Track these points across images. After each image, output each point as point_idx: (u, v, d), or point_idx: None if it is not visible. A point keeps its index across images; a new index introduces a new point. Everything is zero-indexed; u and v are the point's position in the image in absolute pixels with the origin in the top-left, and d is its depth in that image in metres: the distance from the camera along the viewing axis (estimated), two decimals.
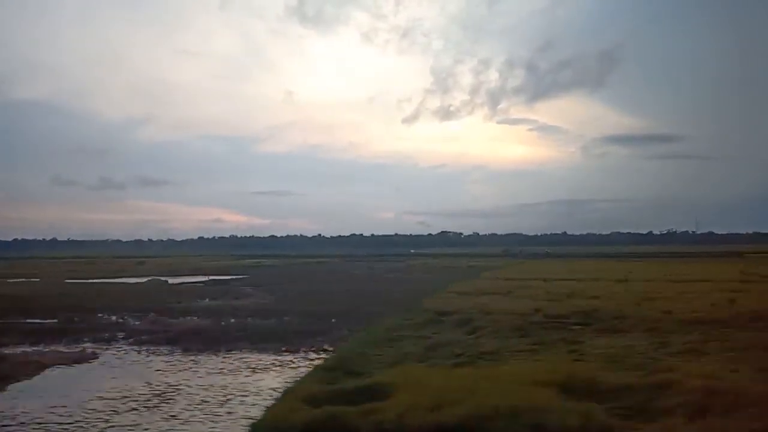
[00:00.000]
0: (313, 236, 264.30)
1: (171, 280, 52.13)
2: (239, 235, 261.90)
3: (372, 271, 64.47)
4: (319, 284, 44.82)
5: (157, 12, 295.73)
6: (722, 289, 34.58)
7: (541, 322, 22.23)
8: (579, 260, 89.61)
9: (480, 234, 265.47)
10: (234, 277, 55.68)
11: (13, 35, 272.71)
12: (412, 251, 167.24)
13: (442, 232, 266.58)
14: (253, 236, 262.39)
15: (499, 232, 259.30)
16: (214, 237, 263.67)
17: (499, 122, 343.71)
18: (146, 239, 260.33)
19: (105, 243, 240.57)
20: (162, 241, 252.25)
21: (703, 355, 16.32)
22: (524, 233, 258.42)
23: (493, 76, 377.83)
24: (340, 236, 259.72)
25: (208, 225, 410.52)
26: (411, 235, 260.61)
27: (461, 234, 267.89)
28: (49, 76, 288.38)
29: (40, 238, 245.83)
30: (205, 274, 60.33)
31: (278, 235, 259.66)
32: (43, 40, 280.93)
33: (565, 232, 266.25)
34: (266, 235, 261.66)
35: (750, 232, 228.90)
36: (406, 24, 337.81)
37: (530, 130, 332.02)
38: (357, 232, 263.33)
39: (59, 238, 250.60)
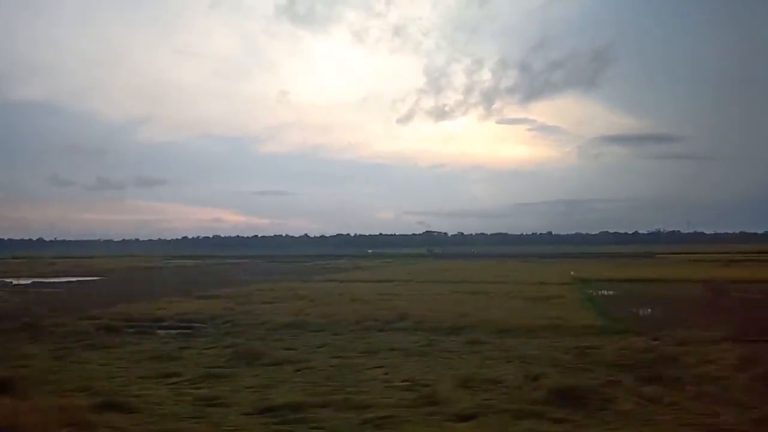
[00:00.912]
0: (299, 236, 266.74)
1: (17, 282, 51.90)
2: (223, 235, 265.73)
3: (243, 272, 64.64)
4: (138, 285, 44.79)
5: (156, 12, 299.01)
6: (470, 291, 34.29)
7: (133, 327, 22.13)
8: (488, 261, 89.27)
9: (465, 233, 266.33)
10: (87, 279, 55.43)
11: (11, 35, 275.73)
12: (369, 251, 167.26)
13: (427, 231, 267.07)
14: (238, 236, 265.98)
15: (487, 232, 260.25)
16: (198, 237, 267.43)
17: (498, 122, 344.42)
18: (134, 239, 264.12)
19: (96, 243, 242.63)
20: (151, 240, 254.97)
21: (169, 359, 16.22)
22: (510, 233, 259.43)
23: (486, 76, 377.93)
24: (323, 236, 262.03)
25: (207, 225, 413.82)
26: (395, 234, 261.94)
27: (446, 233, 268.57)
28: (47, 76, 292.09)
29: (27, 238, 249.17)
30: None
31: (262, 235, 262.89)
32: (41, 40, 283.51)
33: (550, 232, 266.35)
34: (251, 235, 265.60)
35: (737, 231, 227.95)
36: (398, 22, 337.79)
37: (529, 129, 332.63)
38: (345, 232, 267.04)
39: (46, 238, 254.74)
